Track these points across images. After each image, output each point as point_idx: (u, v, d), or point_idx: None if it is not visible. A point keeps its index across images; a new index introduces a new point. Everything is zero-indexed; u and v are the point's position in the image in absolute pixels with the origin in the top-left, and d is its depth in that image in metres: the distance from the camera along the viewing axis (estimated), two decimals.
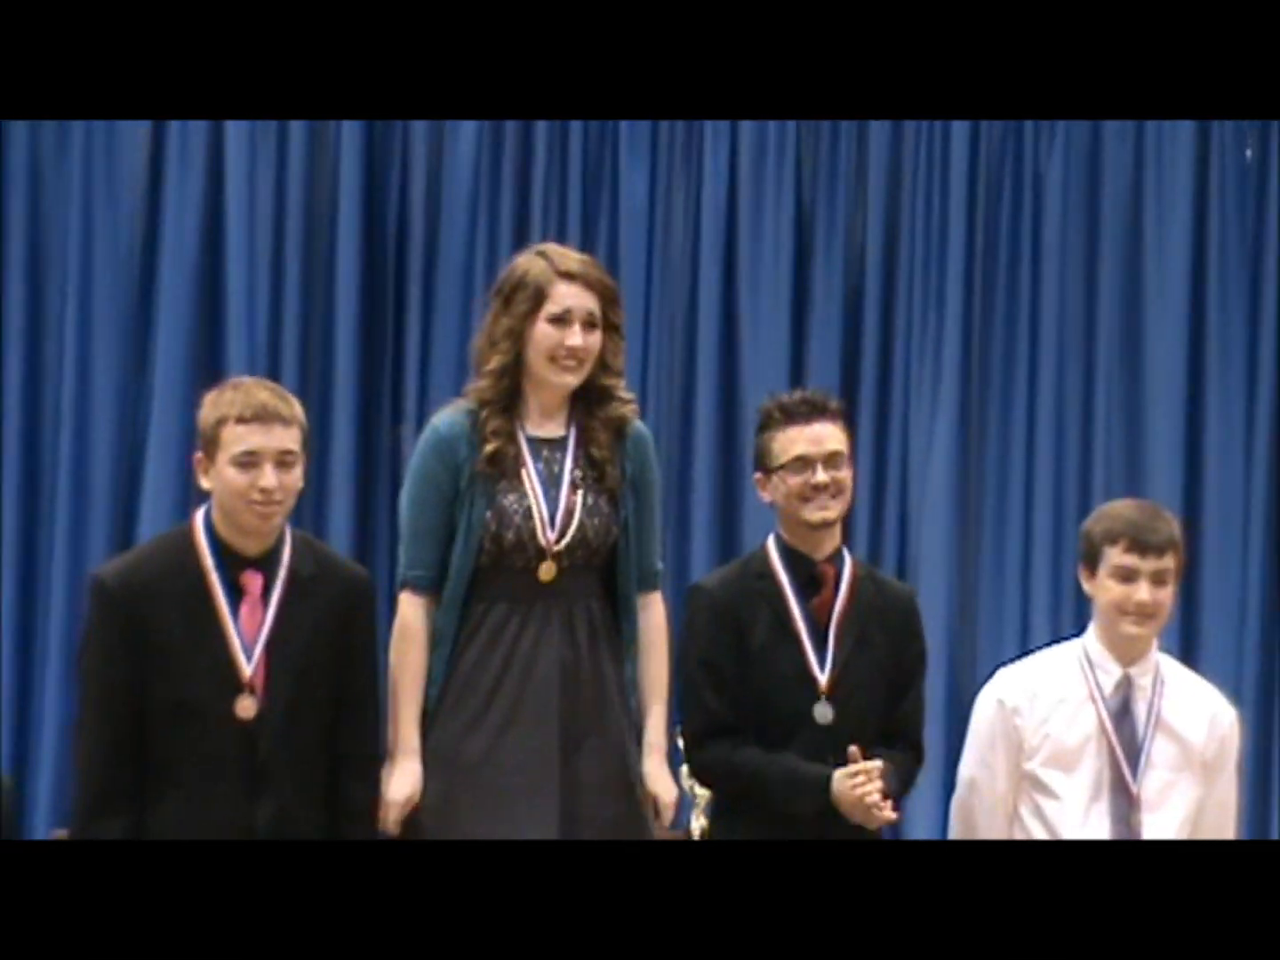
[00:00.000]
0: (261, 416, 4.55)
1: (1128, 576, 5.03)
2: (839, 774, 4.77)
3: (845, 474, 4.91)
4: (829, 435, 4.91)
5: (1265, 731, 7.22)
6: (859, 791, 4.71)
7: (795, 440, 4.91)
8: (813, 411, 4.92)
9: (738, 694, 4.92)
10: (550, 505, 4.67)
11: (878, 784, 4.73)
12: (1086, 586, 5.11)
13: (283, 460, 4.54)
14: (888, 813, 4.82)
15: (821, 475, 4.87)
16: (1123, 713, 5.09)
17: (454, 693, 4.67)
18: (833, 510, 4.90)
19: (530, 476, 4.68)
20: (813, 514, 4.89)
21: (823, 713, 4.91)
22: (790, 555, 4.98)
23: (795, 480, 4.90)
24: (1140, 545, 5.04)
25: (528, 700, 4.65)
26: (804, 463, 4.89)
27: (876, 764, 4.76)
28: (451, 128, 7.24)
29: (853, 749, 4.76)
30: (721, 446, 7.33)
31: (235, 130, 7.13)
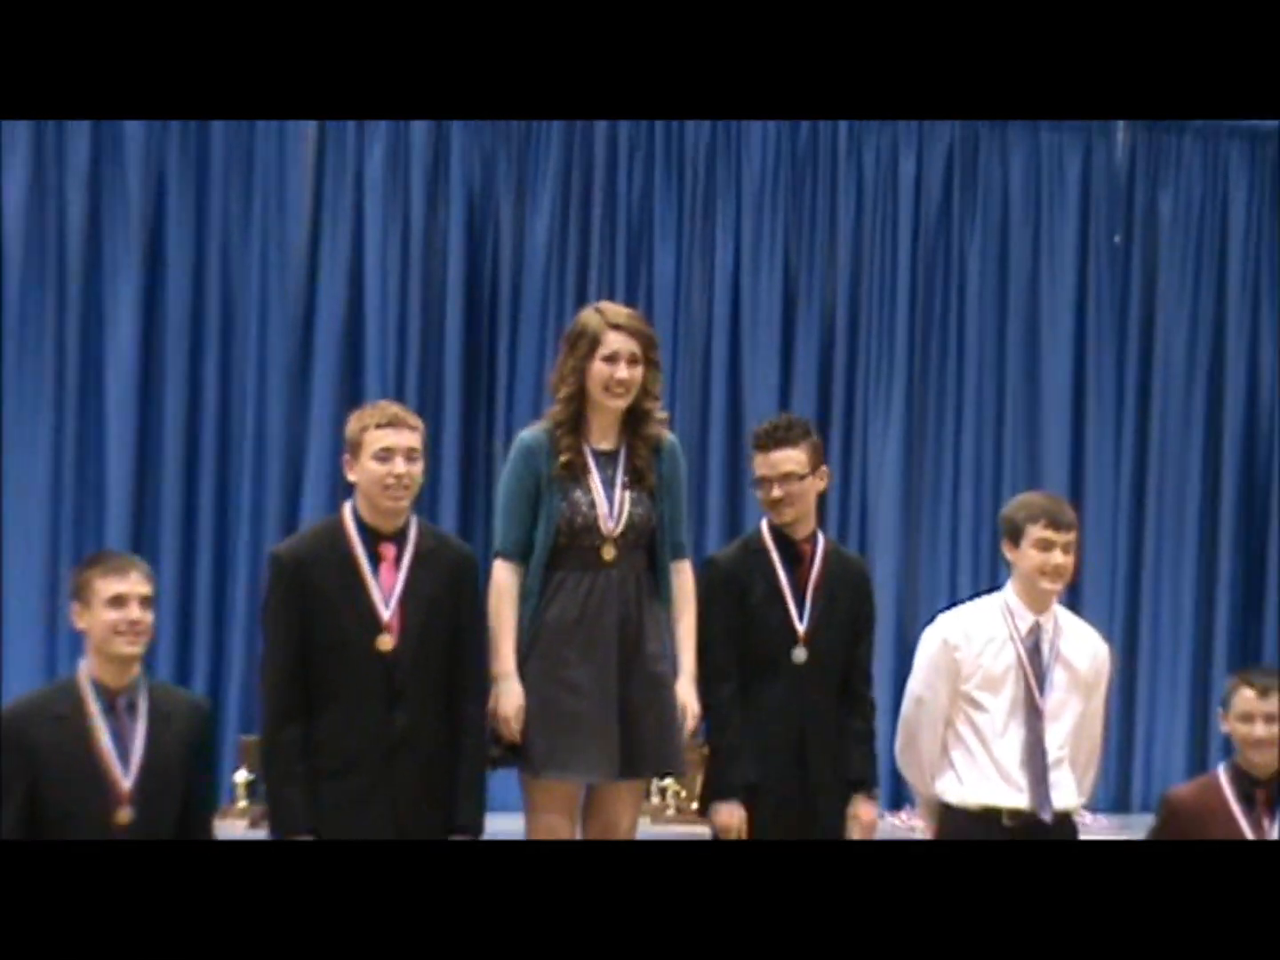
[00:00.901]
0: (394, 422, 4.58)
1: (1046, 547, 5.01)
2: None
3: (798, 486, 4.91)
4: (784, 460, 4.89)
5: (1129, 662, 7.28)
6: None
7: (760, 465, 4.93)
8: (771, 442, 4.93)
9: (739, 640, 4.91)
10: (609, 503, 4.64)
11: None
12: (1009, 556, 5.12)
13: (410, 455, 4.56)
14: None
15: (776, 492, 4.88)
16: (1034, 650, 5.06)
17: (545, 637, 4.64)
18: (787, 515, 4.91)
19: (594, 482, 4.64)
20: (775, 518, 4.94)
21: (799, 655, 4.92)
22: (778, 536, 4.96)
23: (760, 494, 4.95)
24: (1055, 523, 5.01)
25: (596, 645, 4.63)
26: (765, 482, 4.92)
27: None
28: (530, 221, 7.21)
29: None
30: (729, 450, 7.32)
31: (372, 219, 7.12)
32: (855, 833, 4.99)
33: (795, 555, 4.95)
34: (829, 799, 4.94)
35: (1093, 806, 5.42)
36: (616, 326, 4.64)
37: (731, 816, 4.83)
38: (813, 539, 4.98)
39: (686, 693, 4.72)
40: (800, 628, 4.91)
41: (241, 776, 6.23)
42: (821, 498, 5.15)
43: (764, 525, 5.01)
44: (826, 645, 4.93)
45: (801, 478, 4.89)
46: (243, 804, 6.23)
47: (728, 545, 5.38)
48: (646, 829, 5.89)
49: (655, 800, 6.57)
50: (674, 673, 4.73)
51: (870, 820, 5.02)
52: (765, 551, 4.96)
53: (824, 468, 5.02)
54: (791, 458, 4.89)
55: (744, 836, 4.87)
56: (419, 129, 7.04)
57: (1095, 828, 5.25)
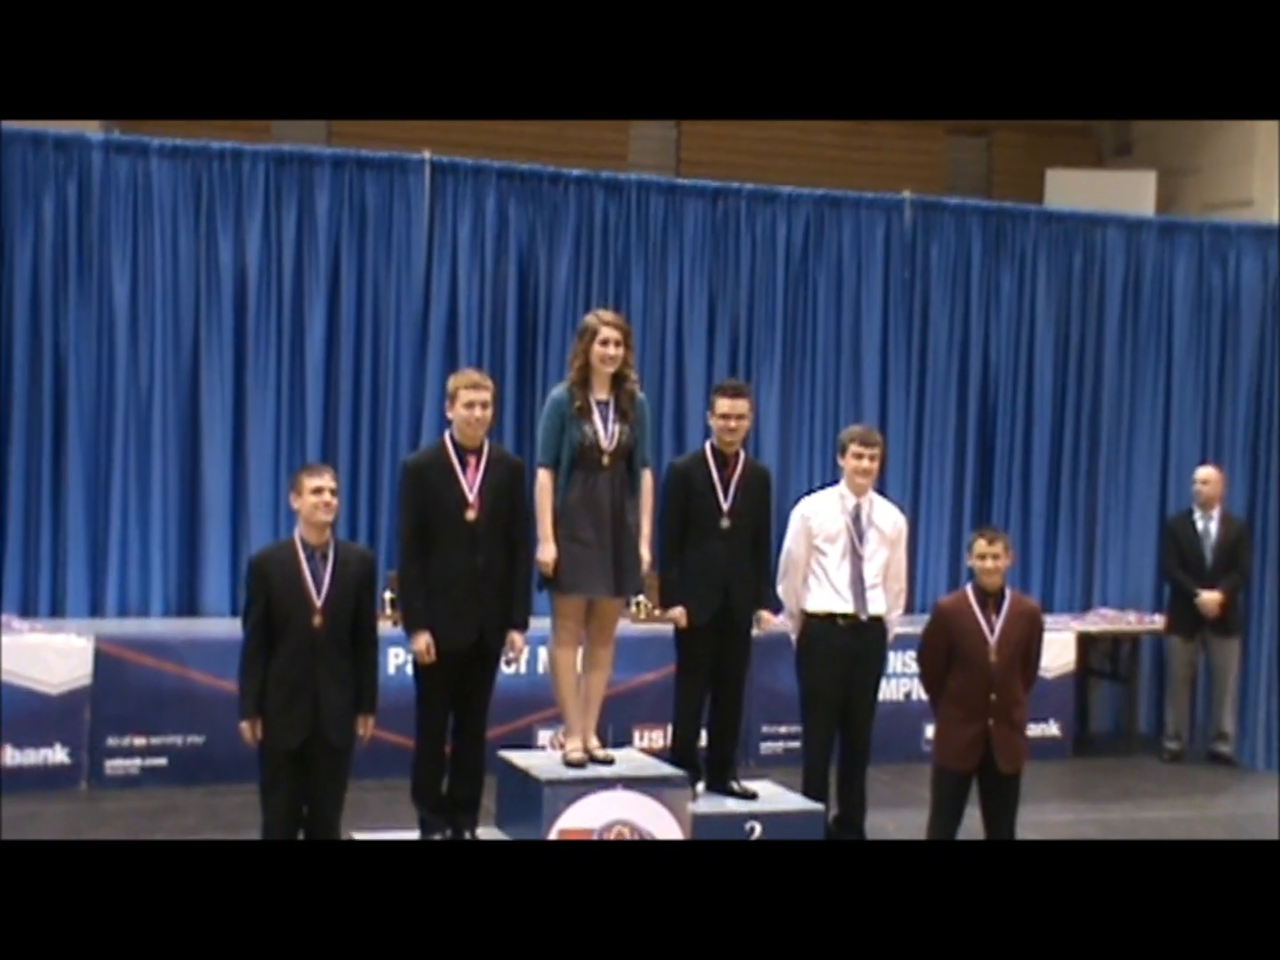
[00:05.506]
0: (475, 384, 4.50)
1: (858, 457, 4.99)
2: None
3: (744, 422, 4.88)
4: (738, 405, 4.86)
5: (914, 524, 6.89)
6: None
7: (722, 405, 4.87)
8: (729, 393, 4.90)
9: (687, 513, 4.86)
10: (606, 431, 4.55)
11: None
12: (840, 463, 5.11)
13: (484, 404, 4.48)
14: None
15: (731, 424, 4.84)
16: (855, 519, 5.06)
17: (568, 512, 4.57)
18: (735, 439, 4.88)
19: (596, 418, 4.55)
20: (727, 439, 4.88)
21: (724, 523, 4.86)
22: (716, 451, 4.92)
23: (721, 423, 4.87)
24: (863, 442, 5.04)
25: (599, 519, 4.56)
26: (725, 416, 4.85)
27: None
28: (557, 264, 6.97)
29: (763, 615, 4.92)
30: (675, 402, 7.20)
31: (463, 262, 6.89)
32: (759, 627, 4.98)
33: (725, 462, 4.89)
34: (742, 609, 4.92)
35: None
36: (607, 323, 4.58)
37: (679, 613, 4.87)
38: (738, 453, 4.93)
39: (643, 548, 4.68)
40: (725, 507, 4.86)
41: (388, 596, 6.18)
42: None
43: (708, 445, 4.95)
44: (741, 518, 4.88)
45: (743, 417, 4.88)
46: (389, 612, 6.19)
47: (684, 455, 5.29)
48: (626, 628, 5.82)
49: (632, 610, 6.52)
50: (639, 534, 4.67)
51: (769, 620, 5.02)
52: (707, 460, 4.91)
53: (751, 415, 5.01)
54: (740, 405, 4.87)
55: (683, 624, 4.88)
56: (491, 208, 6.87)
57: (896, 624, 5.20)
